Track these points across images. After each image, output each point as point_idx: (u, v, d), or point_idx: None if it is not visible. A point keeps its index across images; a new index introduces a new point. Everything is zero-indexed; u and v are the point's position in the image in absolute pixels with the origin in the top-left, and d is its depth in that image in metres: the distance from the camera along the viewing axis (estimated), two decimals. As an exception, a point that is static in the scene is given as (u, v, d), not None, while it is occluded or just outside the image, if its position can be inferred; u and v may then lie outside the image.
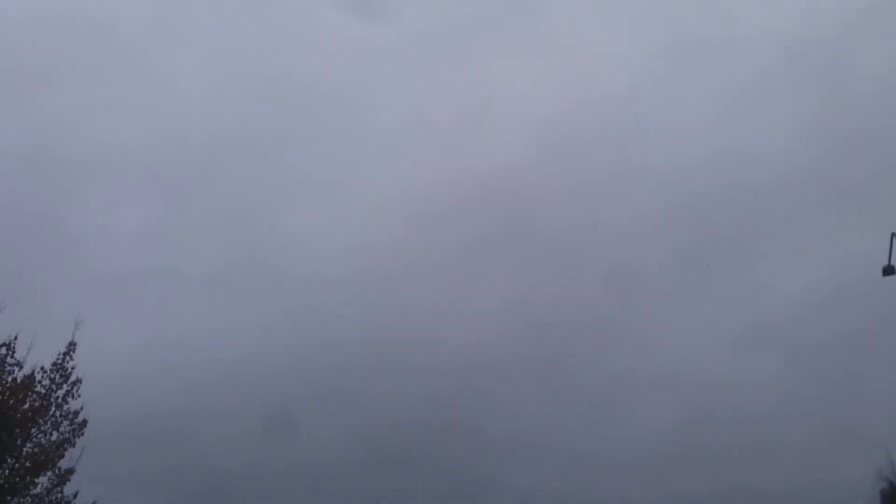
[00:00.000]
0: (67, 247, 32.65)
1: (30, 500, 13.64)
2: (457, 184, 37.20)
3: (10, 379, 13.63)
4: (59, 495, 13.90)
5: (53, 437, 13.87)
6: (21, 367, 13.75)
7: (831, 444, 24.40)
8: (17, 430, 13.36)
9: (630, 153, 37.98)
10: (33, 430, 13.66)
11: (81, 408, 14.30)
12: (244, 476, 24.73)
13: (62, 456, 13.86)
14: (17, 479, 13.35)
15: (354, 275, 33.71)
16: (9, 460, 13.37)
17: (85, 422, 14.29)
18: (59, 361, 14.23)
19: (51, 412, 13.93)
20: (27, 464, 13.48)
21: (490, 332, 33.49)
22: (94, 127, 37.17)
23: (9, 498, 13.34)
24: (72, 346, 14.46)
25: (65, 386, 14.16)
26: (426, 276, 36.46)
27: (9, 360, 13.72)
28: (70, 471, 13.90)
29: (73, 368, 14.40)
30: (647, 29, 40.24)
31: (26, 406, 13.63)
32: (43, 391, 13.93)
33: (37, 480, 13.61)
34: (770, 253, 31.27)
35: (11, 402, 13.39)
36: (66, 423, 14.05)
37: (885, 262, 13.17)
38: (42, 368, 14.01)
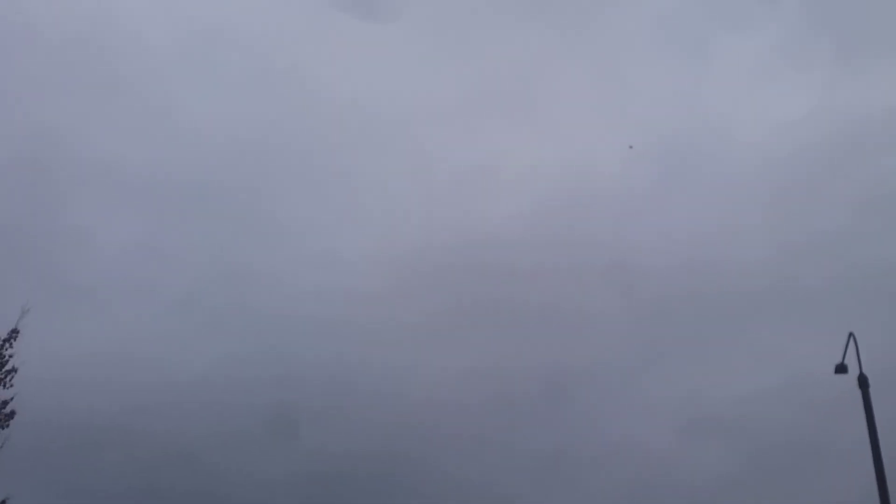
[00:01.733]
0: (49, 250, 32.12)
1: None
2: (445, 246, 36.96)
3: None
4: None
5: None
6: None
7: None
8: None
9: (612, 246, 38.19)
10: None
11: (12, 398, 13.36)
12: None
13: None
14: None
15: (324, 318, 32.88)
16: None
17: (13, 413, 13.29)
18: (-4, 346, 13.34)
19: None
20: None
21: (446, 397, 32.60)
22: (96, 140, 36.99)
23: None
24: (13, 333, 13.55)
25: (-2, 372, 13.24)
26: (396, 332, 35.56)
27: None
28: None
29: (10, 357, 13.50)
30: (640, 131, 41.13)
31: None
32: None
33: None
34: (726, 353, 31.21)
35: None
36: (-8, 409, 13.08)
37: (835, 366, 12.75)
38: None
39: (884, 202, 32.80)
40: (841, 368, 12.34)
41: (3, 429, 13.20)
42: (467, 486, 28.37)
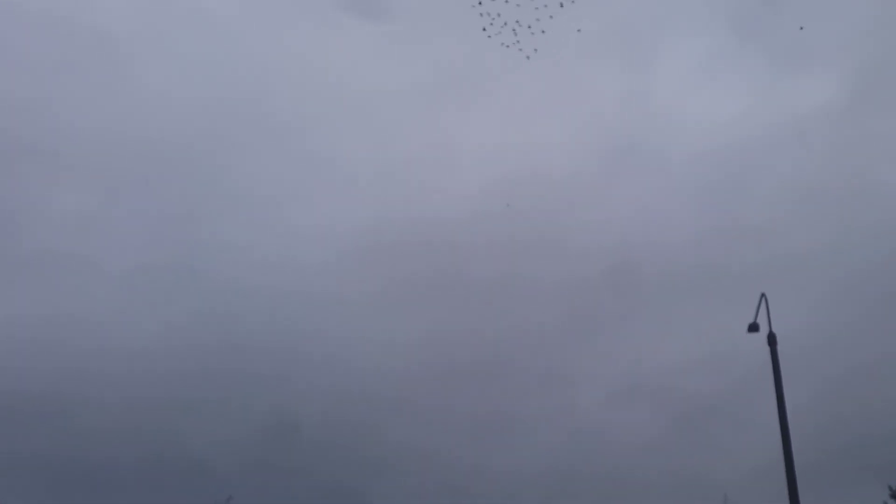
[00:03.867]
0: None
1: None
2: (396, 222, 36.69)
3: None
4: None
5: None
6: None
7: (677, 485, 25.09)
8: None
9: (555, 225, 38.78)
10: None
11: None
12: (107, 470, 22.64)
13: None
14: None
15: (275, 287, 32.28)
16: None
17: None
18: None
19: None
20: None
21: (393, 365, 32.39)
22: (53, 112, 35.62)
23: None
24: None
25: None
26: (346, 303, 35.15)
27: None
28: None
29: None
30: (589, 128, 41.94)
31: None
32: None
33: None
34: (656, 326, 31.94)
35: None
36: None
37: (748, 325, 12.72)
38: None
39: (799, 197, 34.17)
40: (753, 327, 12.41)
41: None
42: (412, 450, 28.35)
